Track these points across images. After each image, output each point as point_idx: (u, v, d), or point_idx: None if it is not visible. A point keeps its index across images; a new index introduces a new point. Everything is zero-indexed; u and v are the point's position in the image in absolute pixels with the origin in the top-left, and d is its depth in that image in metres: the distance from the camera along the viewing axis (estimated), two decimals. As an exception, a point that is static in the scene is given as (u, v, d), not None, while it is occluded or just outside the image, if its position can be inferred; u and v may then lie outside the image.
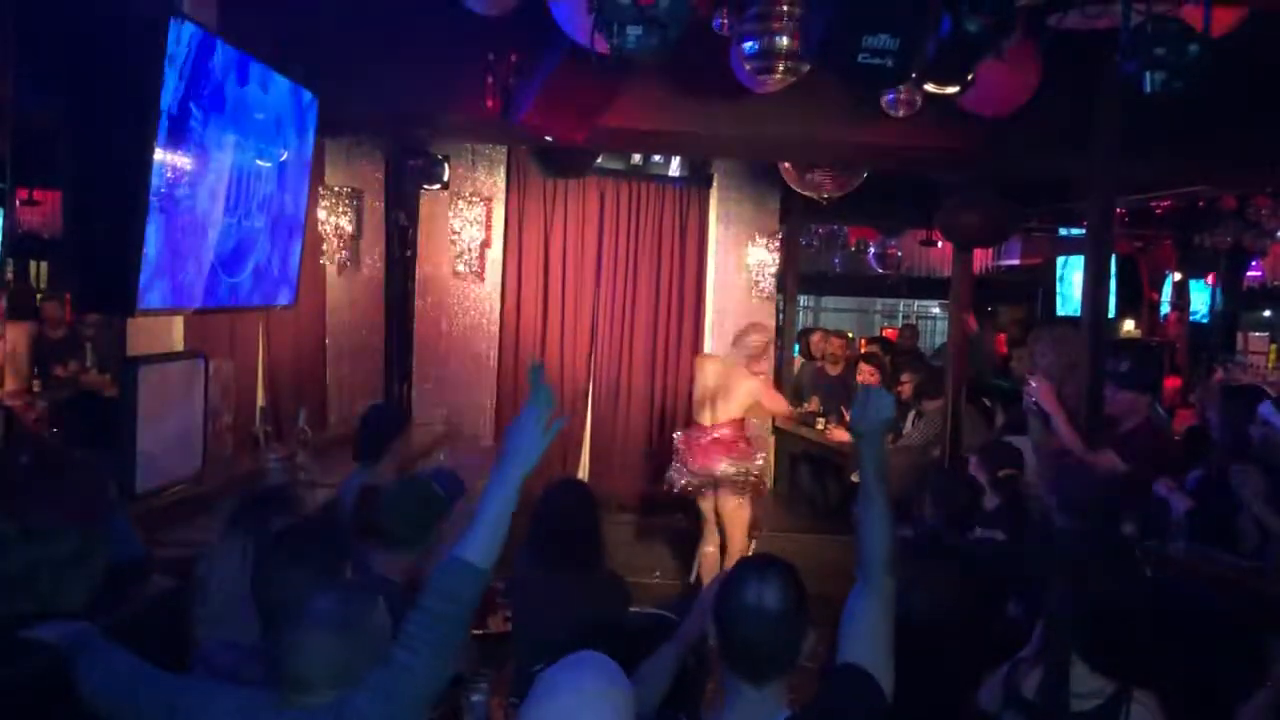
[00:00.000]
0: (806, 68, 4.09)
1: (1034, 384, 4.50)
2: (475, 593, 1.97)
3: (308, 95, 5.20)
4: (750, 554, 5.71)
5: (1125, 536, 3.95)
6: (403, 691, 1.91)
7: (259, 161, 4.82)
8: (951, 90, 4.13)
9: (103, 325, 6.79)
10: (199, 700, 2.02)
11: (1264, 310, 13.35)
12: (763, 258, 8.44)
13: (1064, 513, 4.18)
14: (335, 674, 1.91)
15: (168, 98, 3.78)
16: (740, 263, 8.45)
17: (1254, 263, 11.73)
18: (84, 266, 3.93)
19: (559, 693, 1.90)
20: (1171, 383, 9.40)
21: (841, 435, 7.47)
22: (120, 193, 3.75)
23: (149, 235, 3.79)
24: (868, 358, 8.30)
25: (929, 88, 4.13)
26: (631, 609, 3.18)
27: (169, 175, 3.92)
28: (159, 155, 3.79)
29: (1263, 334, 12.16)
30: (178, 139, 3.95)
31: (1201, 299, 12.02)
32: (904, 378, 7.32)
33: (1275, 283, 12.44)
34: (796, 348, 9.51)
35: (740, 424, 6.48)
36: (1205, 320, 11.92)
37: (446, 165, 7.36)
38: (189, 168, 4.09)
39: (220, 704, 2.00)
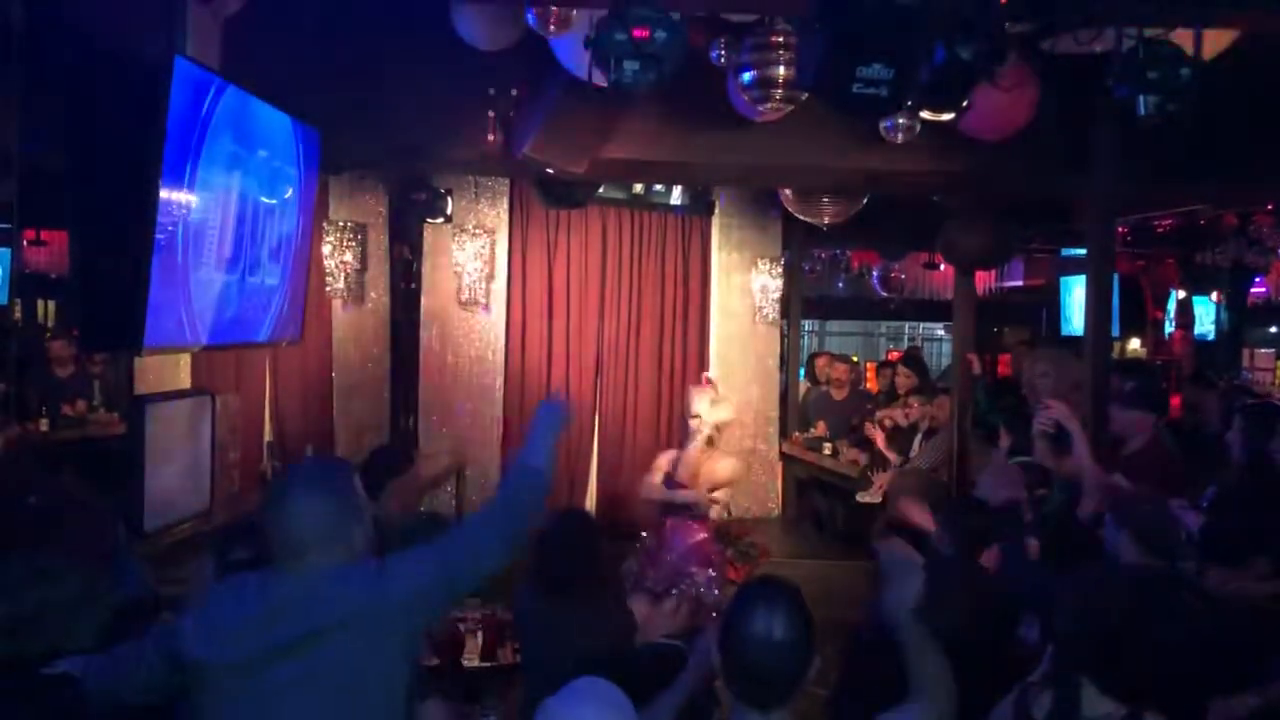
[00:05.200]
0: (803, 97, 4.13)
1: (1049, 406, 4.47)
2: (539, 491, 2.15)
3: (311, 132, 5.25)
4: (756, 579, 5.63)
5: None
6: (450, 562, 2.02)
7: (264, 199, 4.86)
8: (947, 116, 4.17)
9: (110, 364, 6.82)
10: (205, 615, 2.01)
11: (1269, 326, 13.32)
12: (766, 283, 8.48)
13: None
14: (325, 535, 1.95)
15: (172, 137, 3.83)
16: (743, 288, 8.48)
17: (1258, 279, 11.72)
18: (91, 305, 3.97)
19: None
20: (1178, 400, 9.35)
21: (854, 455, 7.46)
22: (126, 232, 3.79)
23: (154, 274, 3.82)
24: (907, 361, 8.25)
25: (925, 114, 4.17)
26: (640, 639, 3.17)
27: (174, 214, 3.96)
28: (164, 194, 3.83)
29: (1269, 350, 12.14)
30: (182, 178, 4.00)
31: (1207, 316, 12.00)
32: (910, 400, 7.32)
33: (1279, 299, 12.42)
34: (802, 372, 9.50)
35: None
36: (1211, 338, 11.89)
37: (449, 198, 7.43)
38: (194, 206, 4.13)
39: (227, 598, 2.01)
